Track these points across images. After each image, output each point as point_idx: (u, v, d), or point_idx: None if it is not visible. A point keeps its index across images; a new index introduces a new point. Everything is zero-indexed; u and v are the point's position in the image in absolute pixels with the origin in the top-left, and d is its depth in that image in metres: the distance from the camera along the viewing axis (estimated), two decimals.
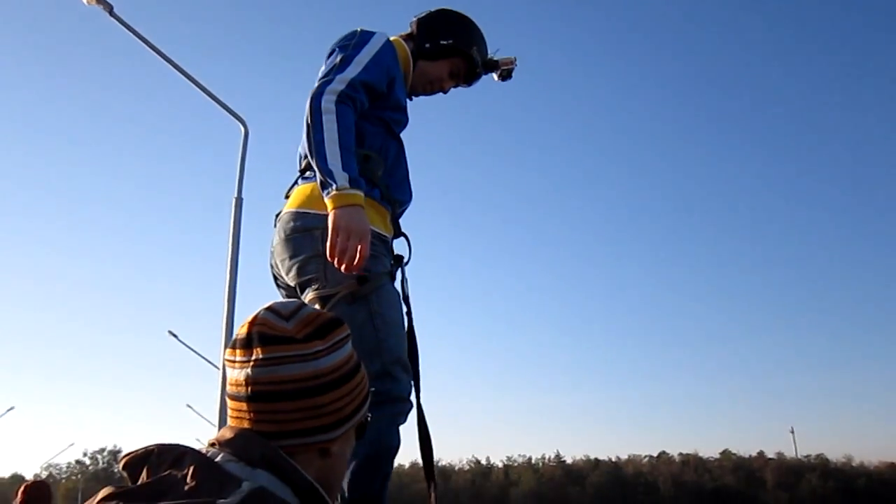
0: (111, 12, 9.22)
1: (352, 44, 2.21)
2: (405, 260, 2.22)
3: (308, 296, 2.04)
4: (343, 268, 1.91)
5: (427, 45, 2.45)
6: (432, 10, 2.52)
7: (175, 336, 20.24)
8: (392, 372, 1.99)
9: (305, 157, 2.14)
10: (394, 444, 1.99)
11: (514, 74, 2.60)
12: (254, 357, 1.05)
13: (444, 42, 2.45)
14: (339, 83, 2.09)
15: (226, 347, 1.12)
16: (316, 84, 2.10)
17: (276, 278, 2.26)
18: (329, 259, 1.92)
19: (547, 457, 66.04)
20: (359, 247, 1.90)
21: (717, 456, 62.74)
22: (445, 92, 2.57)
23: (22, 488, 4.79)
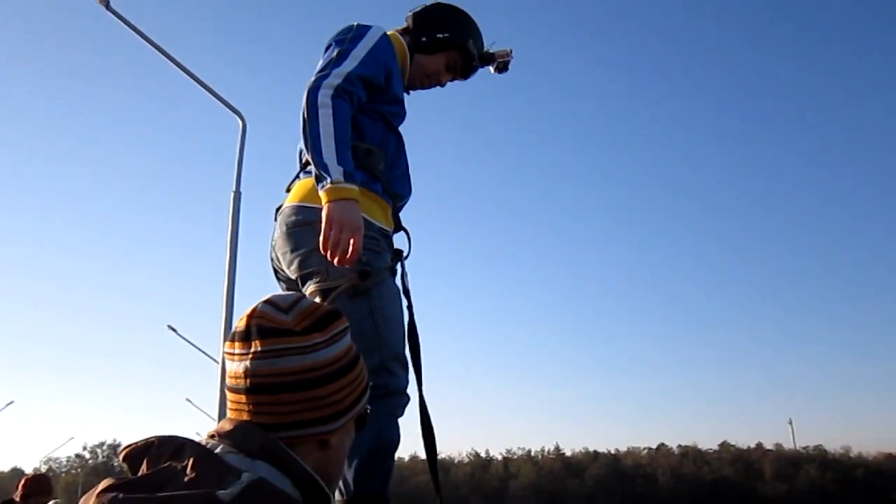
0: (108, 6, 9.19)
1: (348, 38, 2.21)
2: (405, 254, 2.23)
3: (309, 289, 2.04)
4: (336, 261, 1.91)
5: (423, 39, 2.45)
6: (428, 3, 2.52)
7: (174, 330, 20.24)
8: (390, 367, 1.99)
9: (306, 151, 2.14)
10: (394, 438, 2.00)
11: (510, 67, 2.60)
12: (252, 349, 1.05)
13: (441, 35, 2.45)
14: (336, 77, 2.08)
15: (225, 341, 1.12)
16: (312, 78, 2.09)
17: (276, 271, 2.26)
18: (322, 252, 1.93)
19: (546, 449, 66.29)
20: (352, 240, 1.90)
21: (716, 448, 63.02)
22: (443, 85, 2.57)
23: (23, 482, 4.80)
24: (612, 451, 64.85)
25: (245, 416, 1.05)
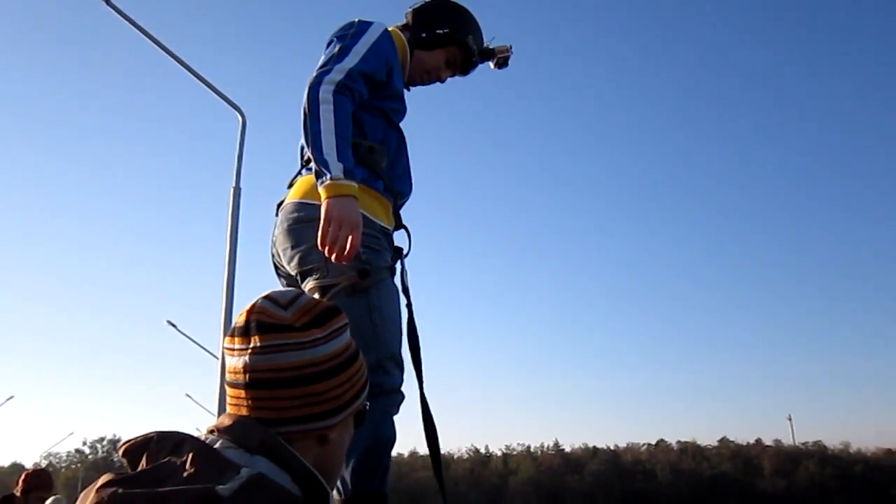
0: (107, 2, 9.16)
1: (350, 34, 2.20)
2: (405, 252, 2.23)
3: (309, 285, 2.04)
4: (333, 257, 1.91)
5: (423, 35, 2.45)
6: None
7: (174, 326, 20.24)
8: (385, 366, 2.00)
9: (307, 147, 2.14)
10: (390, 436, 2.00)
11: (510, 62, 2.60)
12: (252, 345, 1.06)
13: (440, 31, 2.45)
14: (338, 73, 2.08)
15: (225, 336, 1.12)
16: (314, 74, 2.09)
17: (276, 267, 2.26)
18: (320, 248, 1.93)
19: (546, 445, 66.36)
20: (350, 237, 1.90)
21: (715, 444, 63.02)
22: (442, 81, 2.57)
23: (23, 477, 4.81)
24: (612, 447, 64.94)
25: (244, 412, 1.05)
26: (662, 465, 59.37)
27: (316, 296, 1.95)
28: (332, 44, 2.20)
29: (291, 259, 2.10)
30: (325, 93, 2.03)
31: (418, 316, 2.14)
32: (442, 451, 2.18)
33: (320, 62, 2.15)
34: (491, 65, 2.59)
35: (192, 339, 20.17)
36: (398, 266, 2.20)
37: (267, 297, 1.11)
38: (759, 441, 61.95)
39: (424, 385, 2.10)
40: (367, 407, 1.19)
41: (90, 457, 69.44)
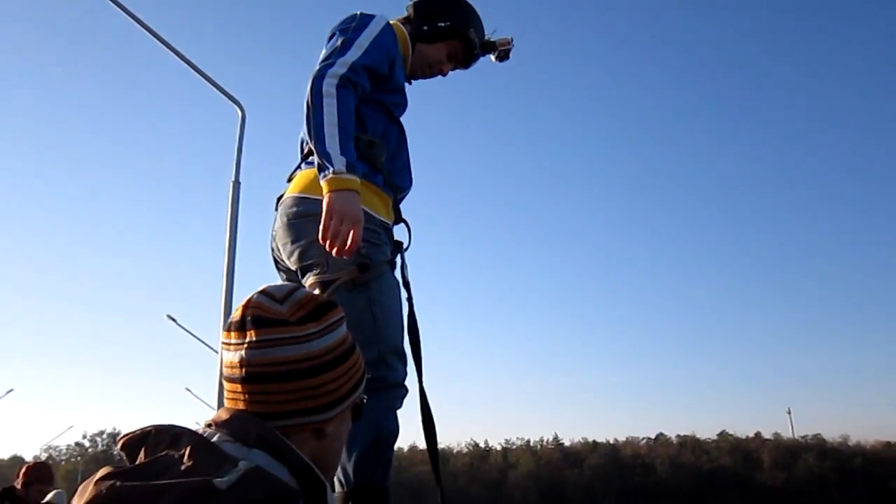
0: None
1: (352, 27, 2.20)
2: (405, 246, 2.22)
3: (309, 280, 2.04)
4: (335, 252, 1.91)
5: (425, 28, 2.44)
6: None
7: (174, 320, 20.20)
8: (388, 360, 2.00)
9: (307, 141, 2.13)
10: (393, 430, 2.01)
11: (511, 55, 2.59)
12: (248, 339, 1.06)
13: (442, 24, 2.44)
14: (341, 66, 2.07)
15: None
16: (317, 67, 2.08)
17: (276, 262, 2.26)
18: (321, 242, 1.92)
19: (545, 439, 66.52)
20: (351, 231, 1.89)
21: (715, 437, 63.23)
22: (444, 74, 2.57)
23: (23, 469, 4.83)
24: (611, 441, 65.17)
25: (241, 406, 1.06)
26: (662, 458, 59.54)
27: (316, 291, 1.94)
28: (335, 37, 2.20)
29: (291, 254, 2.10)
30: (329, 86, 2.03)
31: (418, 310, 2.14)
32: (441, 446, 2.18)
33: (323, 55, 2.14)
34: (492, 58, 2.59)
35: (191, 334, 20.16)
36: (398, 260, 2.20)
37: (262, 292, 1.11)
38: (758, 434, 62.20)
39: (424, 379, 2.10)
40: (365, 400, 1.19)
41: (90, 450, 69.64)
